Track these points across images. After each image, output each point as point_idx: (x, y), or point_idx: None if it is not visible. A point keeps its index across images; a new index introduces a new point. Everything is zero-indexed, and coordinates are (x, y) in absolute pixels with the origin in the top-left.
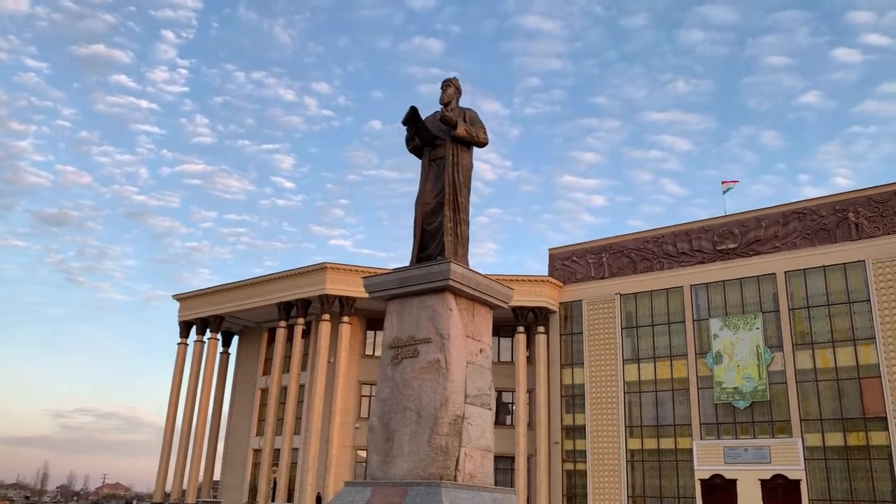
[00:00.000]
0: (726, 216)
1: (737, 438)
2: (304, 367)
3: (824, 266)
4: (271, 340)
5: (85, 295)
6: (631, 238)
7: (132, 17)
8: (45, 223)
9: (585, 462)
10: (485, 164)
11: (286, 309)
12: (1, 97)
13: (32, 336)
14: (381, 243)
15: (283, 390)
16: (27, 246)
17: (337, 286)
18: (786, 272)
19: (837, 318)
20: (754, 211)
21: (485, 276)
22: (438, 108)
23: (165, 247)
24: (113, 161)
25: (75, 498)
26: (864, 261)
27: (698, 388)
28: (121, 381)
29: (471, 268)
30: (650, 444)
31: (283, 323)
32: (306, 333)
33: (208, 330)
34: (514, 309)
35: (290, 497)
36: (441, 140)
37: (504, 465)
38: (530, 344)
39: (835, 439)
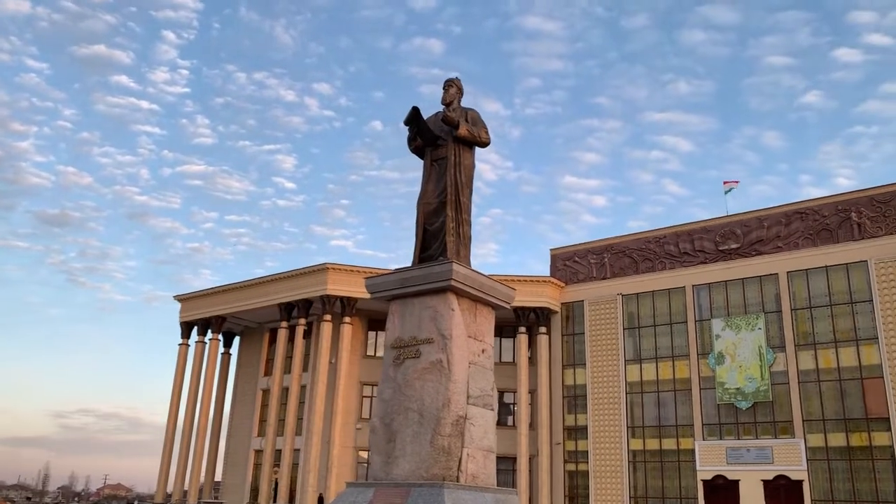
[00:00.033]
0: (728, 216)
1: (739, 439)
2: (305, 368)
3: (827, 266)
4: (273, 341)
5: (86, 296)
6: (633, 238)
7: (133, 17)
8: (47, 224)
9: (587, 463)
10: (486, 165)
11: (287, 309)
12: (2, 98)
13: (33, 337)
14: (383, 244)
15: (285, 391)
16: (28, 246)
17: (338, 287)
18: (788, 272)
19: (840, 318)
20: (756, 211)
21: (487, 276)
22: (440, 108)
23: (166, 247)
24: (114, 162)
25: (76, 499)
26: (866, 261)
27: (700, 389)
28: (122, 381)
29: (473, 268)
30: (652, 444)
31: (284, 323)
32: (308, 334)
33: (210, 331)
34: (516, 309)
35: (291, 498)
36: (443, 140)
37: (506, 466)
38: (532, 344)
39: (837, 440)
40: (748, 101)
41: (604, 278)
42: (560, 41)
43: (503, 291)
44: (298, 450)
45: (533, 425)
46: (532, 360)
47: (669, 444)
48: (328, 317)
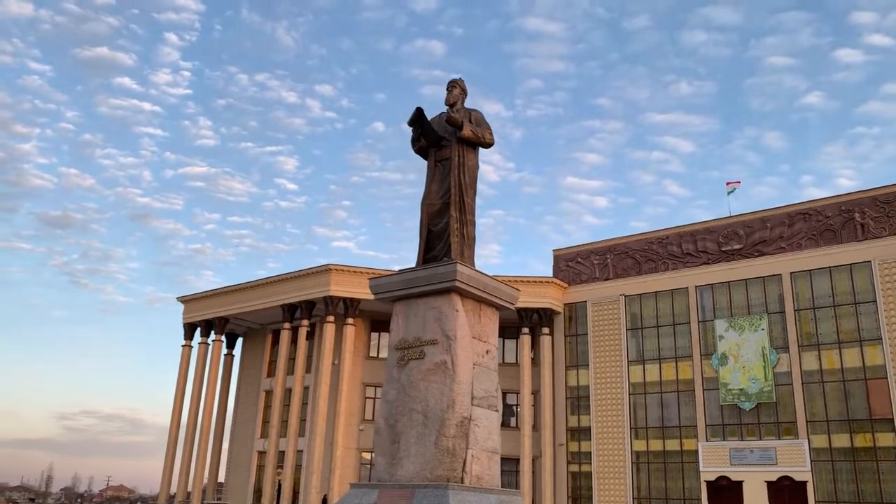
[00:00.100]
0: (731, 217)
1: (743, 440)
2: (308, 369)
3: (830, 267)
4: (275, 342)
5: (89, 297)
6: (635, 239)
7: (135, 19)
8: (49, 225)
9: (591, 464)
10: (488, 166)
11: (290, 311)
12: (5, 100)
13: (37, 338)
14: (385, 245)
15: (288, 392)
16: (31, 248)
17: (341, 288)
18: (791, 273)
19: (843, 318)
20: (759, 212)
21: (491, 277)
22: (442, 109)
23: (169, 249)
24: (116, 163)
25: (79, 500)
26: (870, 261)
27: (704, 390)
28: (125, 383)
29: (477, 269)
30: (655, 445)
31: (287, 325)
32: (310, 335)
33: (212, 332)
34: (519, 310)
35: (294, 499)
36: (447, 141)
37: (509, 467)
38: (535, 345)
39: (841, 441)
40: (750, 102)
41: (607, 279)
42: (561, 42)
43: (507, 292)
44: (301, 451)
45: (536, 426)
46: (535, 361)
47: (673, 445)
48: (331, 318)
